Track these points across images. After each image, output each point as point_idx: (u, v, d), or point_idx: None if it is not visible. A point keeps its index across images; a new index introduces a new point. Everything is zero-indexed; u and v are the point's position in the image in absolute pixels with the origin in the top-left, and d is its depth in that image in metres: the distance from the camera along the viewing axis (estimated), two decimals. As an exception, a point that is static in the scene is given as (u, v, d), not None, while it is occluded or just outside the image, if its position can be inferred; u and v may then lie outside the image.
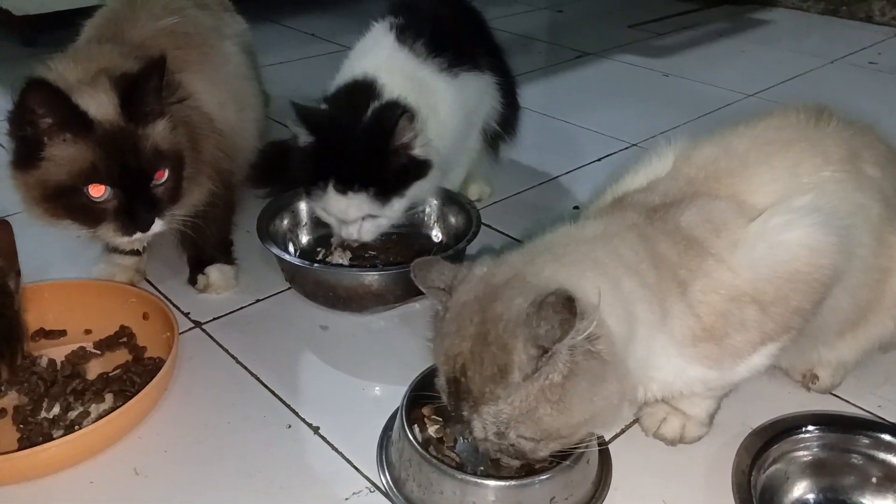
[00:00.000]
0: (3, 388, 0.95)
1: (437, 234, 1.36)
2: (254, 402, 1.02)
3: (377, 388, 1.07)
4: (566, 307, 0.68)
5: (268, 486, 0.90)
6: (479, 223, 1.27)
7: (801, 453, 0.89)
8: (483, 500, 0.83)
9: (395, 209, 1.17)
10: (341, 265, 1.27)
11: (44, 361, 1.05)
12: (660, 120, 1.88)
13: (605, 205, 0.95)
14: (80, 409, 0.97)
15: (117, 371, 1.04)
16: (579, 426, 0.75)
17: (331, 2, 2.91)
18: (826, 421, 0.91)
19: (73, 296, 1.12)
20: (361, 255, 1.30)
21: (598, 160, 1.73)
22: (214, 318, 1.18)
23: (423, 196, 1.27)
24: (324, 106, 1.18)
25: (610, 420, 0.78)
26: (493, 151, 1.47)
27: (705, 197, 0.88)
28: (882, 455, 0.89)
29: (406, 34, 1.24)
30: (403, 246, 1.32)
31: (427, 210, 1.36)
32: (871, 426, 0.93)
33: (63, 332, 1.11)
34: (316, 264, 1.24)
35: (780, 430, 0.89)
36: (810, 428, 0.90)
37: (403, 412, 0.91)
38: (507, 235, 1.42)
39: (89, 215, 0.97)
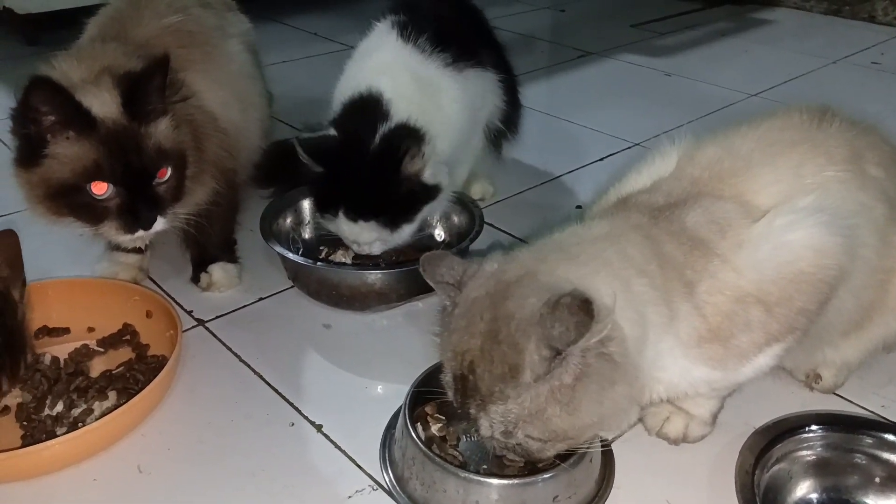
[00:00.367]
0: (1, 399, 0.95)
1: (440, 234, 1.36)
2: (257, 401, 1.02)
3: (380, 386, 1.07)
4: (582, 309, 0.68)
5: (271, 484, 0.90)
6: (482, 222, 1.27)
7: (804, 453, 0.89)
8: (486, 499, 0.83)
9: (405, 233, 1.19)
10: (344, 264, 1.27)
11: (47, 359, 1.05)
12: (662, 119, 1.88)
13: (609, 205, 0.95)
14: (84, 406, 0.97)
15: (121, 369, 1.04)
16: (587, 428, 0.75)
17: (332, 1, 2.91)
18: (829, 421, 0.91)
19: (77, 294, 1.12)
20: (363, 254, 1.30)
21: (601, 160, 1.73)
22: (217, 317, 1.19)
23: (433, 216, 1.29)
24: (331, 131, 1.17)
25: (617, 423, 0.78)
26: (496, 150, 1.47)
27: (710, 197, 0.88)
28: (886, 455, 0.89)
29: (409, 31, 1.24)
30: (406, 245, 1.32)
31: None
32: (875, 426, 0.93)
33: (66, 330, 1.11)
34: (319, 263, 1.24)
35: (784, 430, 0.89)
36: (814, 427, 0.90)
37: (406, 410, 0.91)
38: (510, 234, 1.42)
39: (92, 213, 0.97)
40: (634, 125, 1.88)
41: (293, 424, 0.99)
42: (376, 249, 1.20)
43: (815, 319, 0.85)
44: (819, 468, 0.89)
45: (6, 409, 0.98)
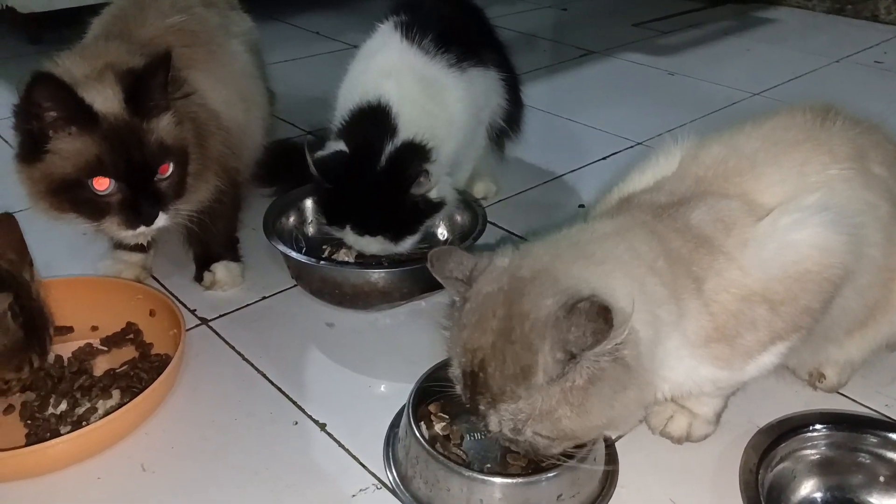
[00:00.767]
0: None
1: (442, 233, 1.36)
2: (260, 399, 1.02)
3: (383, 385, 1.07)
4: (601, 316, 0.67)
5: (275, 482, 0.90)
6: (485, 221, 1.27)
7: (808, 452, 0.89)
8: (490, 498, 0.83)
9: (408, 244, 1.20)
10: (347, 263, 1.27)
11: (51, 357, 1.04)
12: (665, 118, 1.88)
13: (612, 204, 0.95)
14: (88, 405, 0.98)
15: (124, 367, 1.04)
16: (596, 429, 0.75)
17: (334, 0, 2.91)
18: (834, 420, 0.91)
19: (80, 292, 1.12)
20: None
21: (604, 158, 1.73)
22: (221, 315, 1.19)
23: (436, 225, 1.32)
24: (340, 144, 1.18)
25: (625, 425, 0.78)
26: (498, 149, 1.47)
27: (715, 195, 0.87)
28: (890, 454, 0.88)
29: (413, 32, 1.24)
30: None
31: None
32: (879, 425, 0.93)
33: (70, 329, 1.11)
34: (322, 262, 1.24)
35: (788, 429, 0.89)
36: (818, 426, 0.89)
37: (410, 409, 0.91)
38: (512, 233, 1.42)
39: (94, 209, 0.97)
40: (637, 124, 1.87)
41: (297, 423, 0.99)
42: (382, 253, 1.21)
43: (820, 318, 0.84)
44: (823, 467, 0.89)
45: (10, 407, 0.98)
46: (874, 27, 2.77)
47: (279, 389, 1.04)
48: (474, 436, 0.95)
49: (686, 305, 0.80)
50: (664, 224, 0.85)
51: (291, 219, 1.33)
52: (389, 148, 1.15)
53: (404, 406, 0.95)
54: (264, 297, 1.24)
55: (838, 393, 1.05)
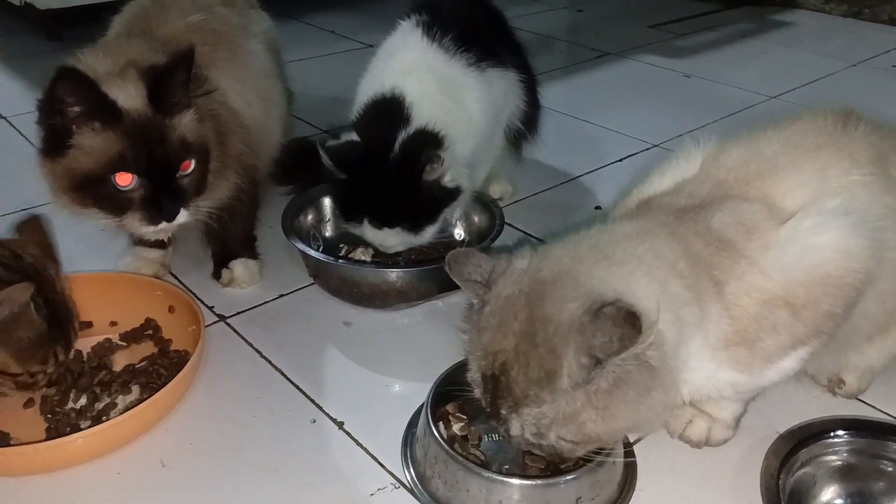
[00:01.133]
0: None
1: (459, 233, 1.36)
2: (278, 397, 1.03)
3: (401, 384, 1.07)
4: (628, 322, 0.67)
5: (293, 480, 0.90)
6: (503, 222, 1.27)
7: (829, 458, 0.88)
8: (509, 500, 0.83)
9: (428, 234, 1.20)
10: (364, 261, 1.27)
11: (71, 353, 1.05)
12: (682, 121, 1.87)
13: (631, 207, 0.95)
14: (108, 400, 0.98)
15: (143, 363, 1.04)
16: (620, 432, 0.75)
17: (350, 0, 2.92)
18: (855, 426, 0.90)
19: (100, 288, 1.13)
20: (383, 252, 1.30)
21: (620, 160, 1.72)
22: (238, 313, 1.19)
23: (454, 216, 1.30)
24: (353, 135, 1.18)
25: (650, 427, 0.78)
26: (515, 150, 1.47)
27: (736, 199, 0.87)
28: (912, 462, 0.88)
29: (434, 30, 1.24)
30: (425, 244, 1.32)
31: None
32: (901, 432, 0.92)
33: (89, 324, 1.11)
34: (340, 260, 1.24)
35: (809, 435, 0.88)
36: (840, 433, 0.89)
37: (429, 409, 0.91)
38: (528, 235, 1.42)
39: (116, 204, 0.98)
40: (654, 126, 1.87)
41: (314, 421, 0.99)
42: (401, 247, 1.21)
43: (842, 323, 0.84)
44: (844, 473, 0.88)
45: (30, 401, 0.99)
46: (891, 31, 2.75)
47: (297, 387, 1.05)
48: (492, 437, 0.95)
49: (707, 308, 0.79)
50: (685, 227, 0.84)
51: (310, 217, 1.33)
52: (402, 136, 1.15)
53: (422, 406, 0.95)
54: (281, 295, 1.24)
55: (858, 399, 1.04)
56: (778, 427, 0.95)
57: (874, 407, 1.03)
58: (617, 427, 0.73)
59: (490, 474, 0.84)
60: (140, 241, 1.24)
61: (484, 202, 1.33)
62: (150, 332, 1.11)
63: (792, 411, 0.99)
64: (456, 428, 0.95)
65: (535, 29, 2.63)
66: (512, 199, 1.53)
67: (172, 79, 0.97)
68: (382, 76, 1.23)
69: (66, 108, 0.93)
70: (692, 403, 0.94)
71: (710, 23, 2.81)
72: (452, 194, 1.18)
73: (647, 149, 1.77)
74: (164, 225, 0.99)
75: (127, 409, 0.96)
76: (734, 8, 2.98)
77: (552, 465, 0.85)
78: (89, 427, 0.92)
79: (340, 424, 0.99)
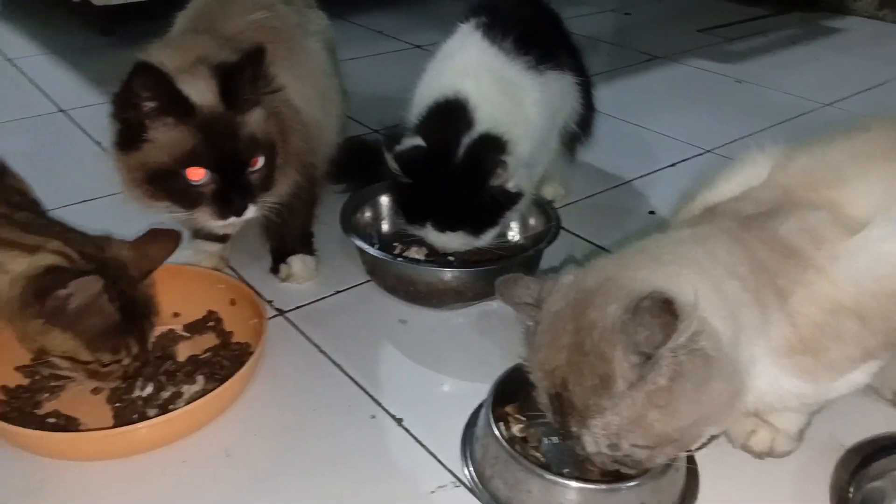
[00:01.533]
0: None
1: (514, 235, 1.36)
2: (337, 392, 1.04)
3: (456, 383, 1.08)
4: (665, 309, 0.67)
5: (353, 473, 0.91)
6: (559, 225, 1.27)
7: (902, 472, 0.87)
8: (570, 503, 0.83)
9: (489, 237, 1.21)
10: (418, 260, 1.28)
11: (145, 347, 1.07)
12: (734, 127, 1.85)
13: (696, 212, 0.94)
14: (173, 389, 1.00)
15: (207, 354, 1.06)
16: (690, 428, 0.74)
17: (397, 0, 2.93)
18: (927, 441, 0.89)
19: (164, 279, 1.13)
20: (437, 251, 1.30)
21: (672, 165, 1.71)
22: (296, 308, 1.20)
23: (514, 219, 1.31)
24: (417, 140, 1.19)
25: (721, 417, 0.76)
26: (569, 153, 1.47)
27: (804, 207, 0.86)
28: None
29: (494, 32, 1.25)
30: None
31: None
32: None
33: (152, 314, 1.14)
34: (399, 259, 1.25)
35: (878, 448, 0.87)
36: (912, 446, 0.87)
37: (490, 409, 0.91)
38: (580, 237, 1.41)
39: (187, 198, 0.99)
40: (706, 131, 1.85)
41: (374, 417, 1.00)
42: (462, 249, 1.22)
43: (914, 335, 0.82)
44: (916, 489, 0.87)
45: (98, 389, 1.01)
46: (948, 39, 2.69)
47: (355, 382, 1.06)
48: (552, 439, 0.95)
49: (769, 314, 0.78)
50: (750, 234, 0.84)
51: (367, 214, 1.34)
52: (466, 141, 1.16)
53: (481, 405, 0.95)
54: (338, 292, 1.25)
55: (924, 414, 1.02)
56: (841, 438, 0.94)
57: (941, 423, 1.01)
58: (684, 423, 0.72)
59: (553, 477, 0.84)
60: (200, 235, 1.26)
61: (540, 204, 1.33)
62: (211, 323, 1.13)
63: (855, 423, 0.97)
64: (516, 429, 0.95)
65: (581, 31, 2.59)
66: (564, 201, 1.53)
67: (243, 76, 0.98)
68: (442, 78, 1.23)
69: (140, 103, 0.94)
70: (756, 414, 0.93)
71: (759, 28, 2.77)
72: (514, 198, 1.19)
73: (700, 154, 1.76)
74: (232, 220, 1.01)
75: (192, 398, 0.98)
76: (784, 13, 2.94)
77: (615, 472, 0.85)
78: (156, 415, 0.94)
79: (399, 421, 0.99)
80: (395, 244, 1.34)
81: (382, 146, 1.19)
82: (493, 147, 1.15)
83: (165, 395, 0.99)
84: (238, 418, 0.98)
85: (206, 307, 1.14)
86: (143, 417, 0.95)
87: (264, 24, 1.22)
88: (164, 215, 1.04)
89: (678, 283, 0.73)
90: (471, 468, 0.92)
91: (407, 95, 1.31)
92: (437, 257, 1.27)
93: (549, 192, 1.50)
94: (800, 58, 2.48)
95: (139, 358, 0.95)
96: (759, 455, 0.94)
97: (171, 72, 0.98)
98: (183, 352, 1.08)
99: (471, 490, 0.89)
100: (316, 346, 1.12)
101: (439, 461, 0.94)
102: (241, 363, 1.02)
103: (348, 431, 0.97)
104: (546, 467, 0.89)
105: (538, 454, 0.92)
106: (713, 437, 0.94)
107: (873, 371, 0.83)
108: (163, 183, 0.98)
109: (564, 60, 1.36)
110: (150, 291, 0.97)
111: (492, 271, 1.16)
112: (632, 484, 0.83)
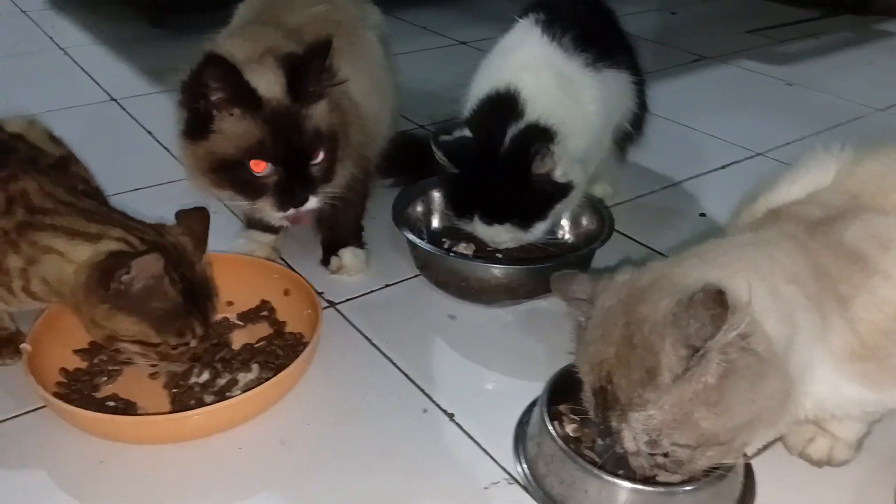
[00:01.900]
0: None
1: (565, 234, 1.35)
2: (389, 384, 1.04)
3: (507, 380, 1.07)
4: (717, 302, 0.66)
5: (407, 466, 0.92)
6: (612, 225, 1.26)
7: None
8: None
9: (539, 231, 1.20)
10: (468, 255, 1.27)
11: (209, 329, 1.08)
12: (785, 130, 1.82)
13: (758, 215, 0.93)
14: (229, 377, 1.01)
15: (262, 343, 1.07)
16: (740, 429, 0.72)
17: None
18: None
19: (219, 268, 1.14)
20: (485, 247, 1.30)
21: (723, 167, 1.68)
22: (347, 300, 1.21)
23: (566, 213, 1.30)
24: (465, 131, 1.19)
25: (775, 420, 0.75)
26: (620, 152, 1.46)
27: (871, 212, 0.84)
28: None
29: (553, 29, 1.24)
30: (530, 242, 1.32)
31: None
32: None
33: (207, 302, 1.15)
34: (451, 254, 1.25)
35: (945, 461, 0.85)
36: (978, 462, 0.85)
37: (545, 407, 0.91)
38: (629, 237, 1.40)
39: (250, 189, 1.01)
40: (757, 134, 1.82)
41: (426, 411, 1.00)
42: (512, 244, 1.21)
43: None
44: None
45: (156, 375, 1.02)
46: None
47: (406, 376, 1.06)
48: (606, 440, 0.94)
49: (829, 319, 0.77)
50: (816, 240, 0.82)
51: (418, 209, 1.34)
52: (513, 130, 1.15)
53: (534, 403, 0.95)
54: (387, 285, 1.26)
55: None
56: (902, 450, 0.92)
57: None
58: (735, 423, 0.71)
59: (610, 478, 0.83)
60: (253, 224, 1.28)
61: (593, 204, 1.32)
62: (265, 313, 1.14)
63: (918, 436, 0.95)
64: (569, 429, 0.95)
65: (627, 30, 2.59)
66: (612, 201, 1.51)
67: (310, 68, 0.99)
68: (499, 72, 1.23)
69: (209, 93, 0.96)
70: (815, 421, 0.91)
71: (810, 30, 2.72)
72: (564, 189, 1.17)
73: (751, 157, 1.73)
74: (293, 211, 1.02)
75: (247, 386, 0.99)
76: (834, 16, 2.88)
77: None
78: (213, 402, 0.96)
79: (451, 416, 1.00)
80: (444, 240, 1.34)
81: (431, 140, 1.19)
82: (538, 135, 1.14)
83: (221, 382, 1.01)
84: (292, 408, 0.99)
85: (259, 296, 1.15)
86: (201, 403, 0.96)
87: (326, 17, 1.23)
88: (229, 203, 1.05)
89: (733, 282, 0.72)
90: (524, 465, 0.92)
91: (454, 92, 1.31)
92: (485, 254, 1.27)
93: (597, 190, 1.48)
94: (852, 61, 2.43)
95: (205, 339, 0.96)
96: (818, 463, 0.92)
97: (240, 62, 1.00)
98: (237, 340, 1.10)
99: (524, 487, 0.89)
100: (367, 338, 1.13)
101: (492, 457, 0.94)
102: (295, 353, 1.03)
103: (400, 424, 0.98)
104: (601, 468, 0.89)
105: (593, 454, 0.92)
106: (769, 444, 0.94)
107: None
108: (227, 173, 0.99)
109: (621, 59, 1.35)
110: (208, 274, 0.98)
111: (545, 269, 1.15)
112: (690, 488, 0.82)
